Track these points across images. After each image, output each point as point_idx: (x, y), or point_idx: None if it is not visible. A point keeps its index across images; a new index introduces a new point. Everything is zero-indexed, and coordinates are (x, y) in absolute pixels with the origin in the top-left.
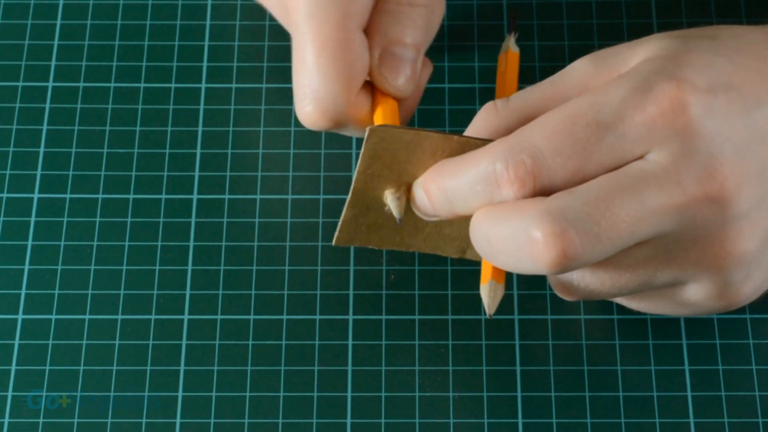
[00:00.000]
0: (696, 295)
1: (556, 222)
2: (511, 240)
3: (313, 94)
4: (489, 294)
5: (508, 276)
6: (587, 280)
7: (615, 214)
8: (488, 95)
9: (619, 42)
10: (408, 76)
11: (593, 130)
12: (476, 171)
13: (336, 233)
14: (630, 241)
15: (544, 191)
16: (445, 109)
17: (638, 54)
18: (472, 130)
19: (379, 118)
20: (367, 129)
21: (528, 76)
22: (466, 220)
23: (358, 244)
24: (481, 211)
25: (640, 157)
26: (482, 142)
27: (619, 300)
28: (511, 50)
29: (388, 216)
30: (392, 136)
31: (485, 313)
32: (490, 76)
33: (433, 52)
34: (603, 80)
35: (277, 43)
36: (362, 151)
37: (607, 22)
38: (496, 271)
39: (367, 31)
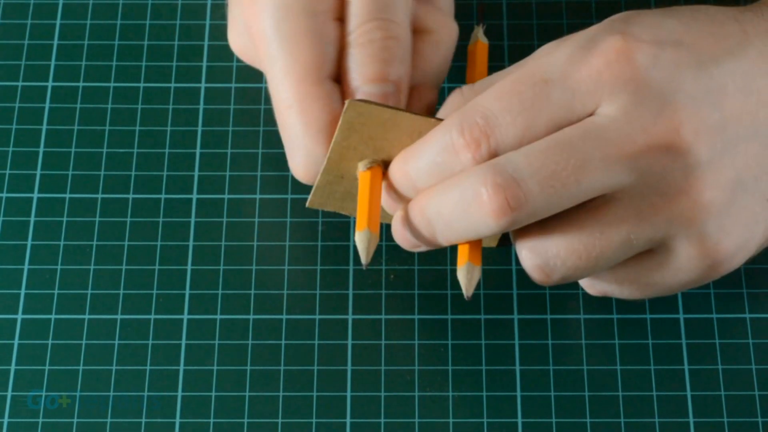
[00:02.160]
0: (677, 257)
1: (498, 174)
2: (459, 203)
3: (289, 151)
4: (466, 276)
5: (508, 276)
6: (561, 255)
7: (560, 165)
8: None
9: None
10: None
11: (540, 87)
12: (435, 144)
13: (310, 196)
14: (578, 192)
15: (498, 152)
16: None
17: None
18: (441, 115)
19: None
20: (346, 102)
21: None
22: None
23: (330, 208)
24: (430, 190)
25: (591, 114)
26: None
27: (608, 285)
28: (480, 41)
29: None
30: (370, 112)
31: (466, 296)
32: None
33: None
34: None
35: None
36: (339, 122)
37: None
38: (473, 252)
39: (340, 71)
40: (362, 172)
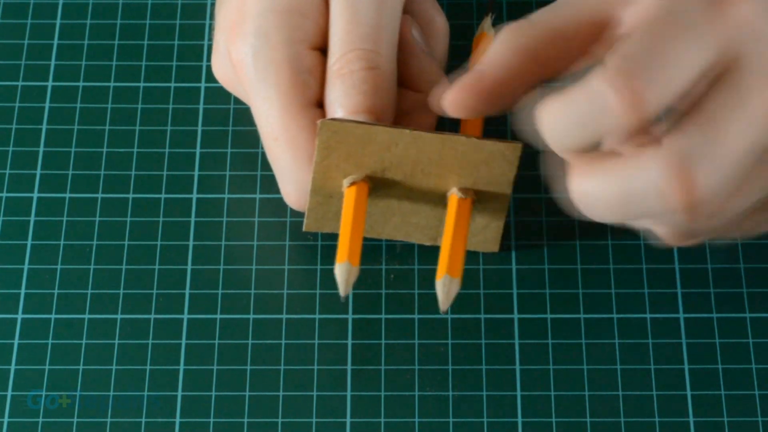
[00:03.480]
0: None
1: (682, 171)
2: (638, 195)
3: (280, 181)
4: (443, 289)
5: (508, 276)
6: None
7: (732, 137)
8: None
9: None
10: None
11: (680, 30)
12: (577, 100)
13: (304, 219)
14: (751, 156)
15: (651, 104)
16: None
17: None
18: (494, 50)
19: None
20: (319, 122)
21: None
22: (433, 209)
23: (327, 230)
24: (582, 168)
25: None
26: (434, 135)
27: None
28: (486, 33)
29: None
30: (344, 130)
31: (441, 310)
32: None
33: None
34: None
35: None
36: (316, 143)
37: None
38: (453, 264)
39: (324, 102)
40: (347, 188)
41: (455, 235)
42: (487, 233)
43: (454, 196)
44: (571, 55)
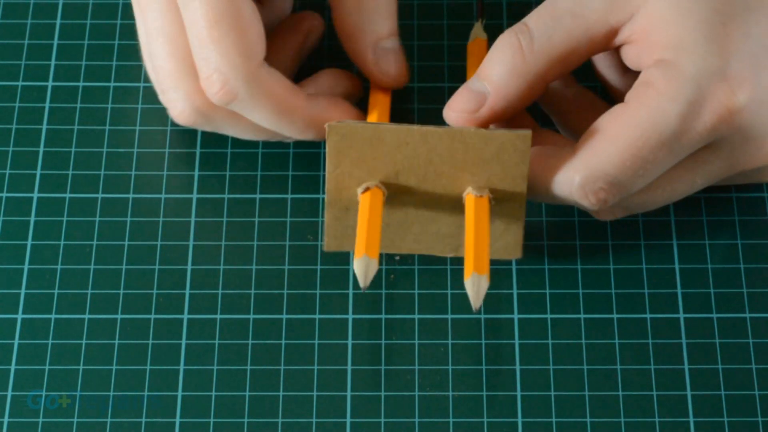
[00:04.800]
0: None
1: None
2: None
3: (214, 67)
4: (473, 287)
5: (508, 276)
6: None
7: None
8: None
9: None
10: (401, 64)
11: (659, 149)
12: (555, 192)
13: (324, 238)
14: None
15: (624, 196)
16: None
17: None
18: (500, 72)
19: (374, 117)
20: (327, 126)
21: None
22: (451, 215)
23: (348, 248)
24: (535, 162)
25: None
26: (442, 129)
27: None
28: (479, 38)
29: None
30: (352, 133)
31: (474, 309)
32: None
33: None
34: (624, 15)
35: None
36: (327, 149)
37: None
38: (479, 262)
39: (348, 31)
40: (362, 194)
41: (477, 233)
42: (508, 237)
43: (470, 195)
44: (573, 66)
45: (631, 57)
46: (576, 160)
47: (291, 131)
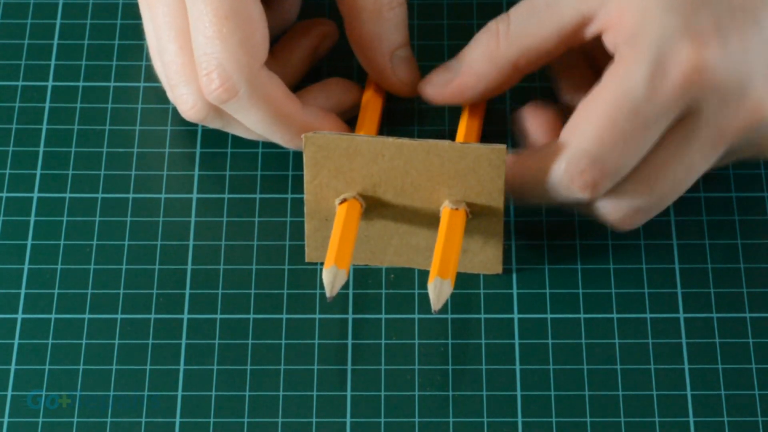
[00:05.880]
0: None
1: (629, 216)
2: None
3: (217, 63)
4: (434, 290)
5: (508, 275)
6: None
7: (674, 180)
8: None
9: None
10: (416, 72)
11: (633, 116)
12: (545, 181)
13: (306, 249)
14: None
15: (615, 179)
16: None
17: None
18: (474, 54)
19: (364, 119)
20: (303, 137)
21: None
22: (430, 229)
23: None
24: (513, 162)
25: (685, 115)
26: (417, 142)
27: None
28: None
29: None
30: (328, 144)
31: (433, 310)
32: None
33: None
34: (594, 3)
35: None
36: (304, 160)
37: None
38: (443, 268)
39: (366, 40)
40: (339, 205)
41: (447, 239)
42: (488, 252)
43: (446, 208)
44: (546, 58)
45: (609, 45)
46: (560, 148)
47: (282, 138)
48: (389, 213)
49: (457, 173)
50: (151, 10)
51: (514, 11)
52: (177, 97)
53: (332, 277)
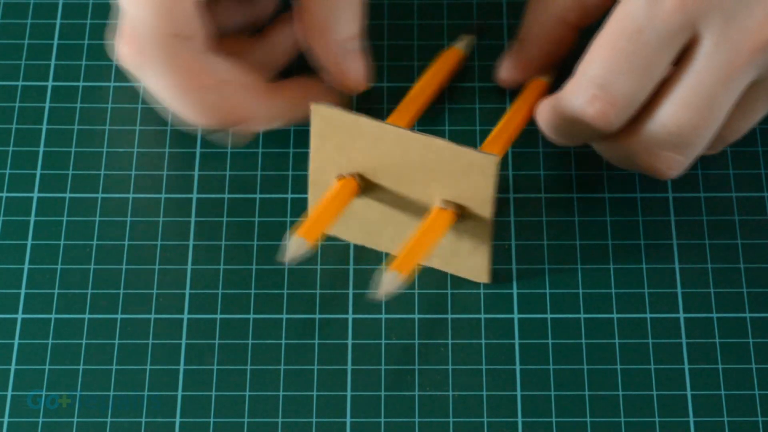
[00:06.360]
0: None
1: (660, 156)
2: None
3: (130, 25)
4: (385, 281)
5: (508, 275)
6: None
7: (698, 115)
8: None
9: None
10: (363, 67)
11: (636, 37)
12: (564, 117)
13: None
14: (717, 122)
15: (628, 109)
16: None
17: None
18: (526, 23)
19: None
20: (312, 107)
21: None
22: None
23: (333, 232)
24: (541, 110)
25: (695, 39)
26: (417, 135)
27: None
28: (455, 48)
29: (350, 207)
30: (332, 118)
31: (374, 299)
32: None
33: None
34: None
35: None
36: (311, 130)
37: None
38: (404, 262)
39: (313, 31)
40: (335, 180)
41: (421, 236)
42: (476, 259)
43: (436, 207)
44: (589, 5)
45: None
46: (572, 81)
47: (187, 114)
48: (387, 199)
49: (450, 174)
50: None
51: None
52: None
53: (296, 247)
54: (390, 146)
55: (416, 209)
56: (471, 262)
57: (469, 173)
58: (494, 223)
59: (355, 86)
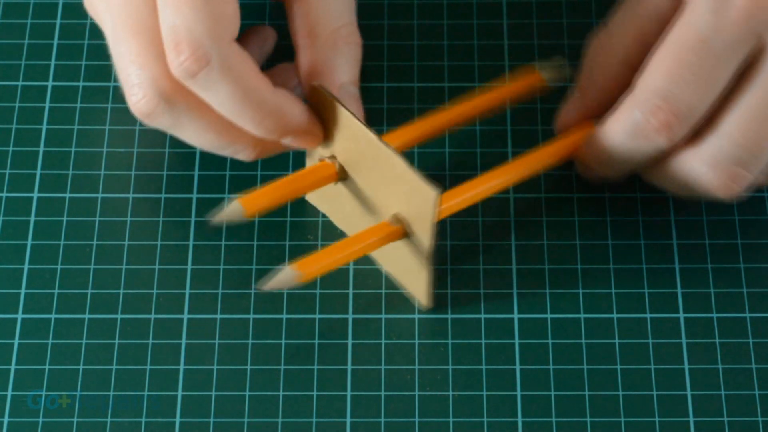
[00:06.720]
0: None
1: (725, 170)
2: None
3: (187, 31)
4: (280, 275)
5: (508, 275)
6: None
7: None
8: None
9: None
10: (360, 113)
11: (701, 48)
12: (621, 133)
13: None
14: None
15: (689, 121)
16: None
17: None
18: (586, 68)
19: None
20: (315, 83)
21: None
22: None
23: (322, 209)
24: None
25: (762, 49)
26: (381, 148)
27: None
28: (539, 71)
29: (334, 190)
30: (326, 103)
31: (257, 287)
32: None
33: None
34: None
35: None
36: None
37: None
38: (309, 265)
39: (317, 68)
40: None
41: (343, 245)
42: (419, 281)
43: (385, 221)
44: (651, 43)
45: None
46: (632, 96)
47: (252, 118)
48: (357, 194)
49: (402, 192)
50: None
51: (611, 19)
52: (128, 87)
53: (231, 212)
54: (362, 146)
55: (376, 215)
56: (416, 282)
57: (415, 197)
58: (434, 250)
59: None
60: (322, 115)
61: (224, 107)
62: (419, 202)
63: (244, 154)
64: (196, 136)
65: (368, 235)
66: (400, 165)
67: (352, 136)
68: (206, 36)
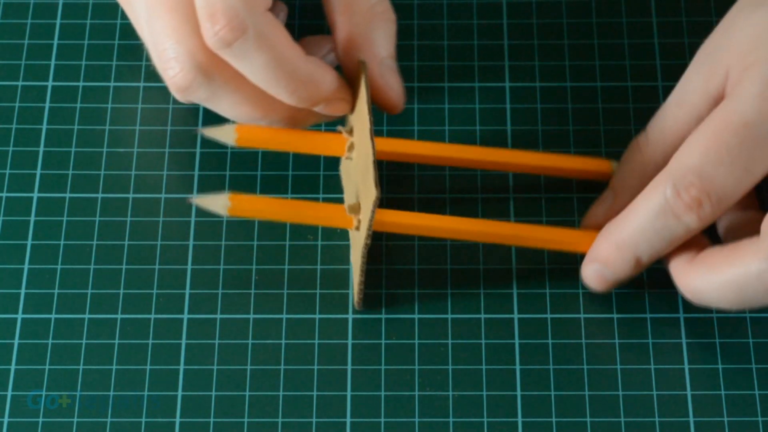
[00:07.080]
0: None
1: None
2: (740, 284)
3: (224, 1)
4: (214, 200)
5: (508, 275)
6: None
7: None
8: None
9: (617, 38)
10: (401, 85)
11: (743, 132)
12: (648, 209)
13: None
14: None
15: (721, 205)
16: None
17: (735, 37)
18: (623, 173)
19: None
20: (361, 60)
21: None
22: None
23: (342, 181)
24: (686, 267)
25: None
26: (366, 142)
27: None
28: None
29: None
30: (361, 79)
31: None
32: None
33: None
34: (719, 78)
35: None
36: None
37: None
38: (245, 204)
39: (357, 41)
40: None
41: (288, 203)
42: (355, 278)
43: (345, 205)
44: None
45: None
46: (666, 171)
47: (286, 88)
48: (355, 174)
49: (364, 187)
50: None
51: (650, 123)
52: (164, 63)
53: (223, 132)
54: (361, 133)
55: (356, 190)
56: (355, 278)
57: (368, 195)
58: (366, 254)
59: (397, 100)
60: (355, 88)
61: (259, 76)
62: (367, 201)
63: (279, 125)
64: (232, 109)
65: (319, 208)
66: (369, 159)
67: (359, 120)
68: (241, 5)
